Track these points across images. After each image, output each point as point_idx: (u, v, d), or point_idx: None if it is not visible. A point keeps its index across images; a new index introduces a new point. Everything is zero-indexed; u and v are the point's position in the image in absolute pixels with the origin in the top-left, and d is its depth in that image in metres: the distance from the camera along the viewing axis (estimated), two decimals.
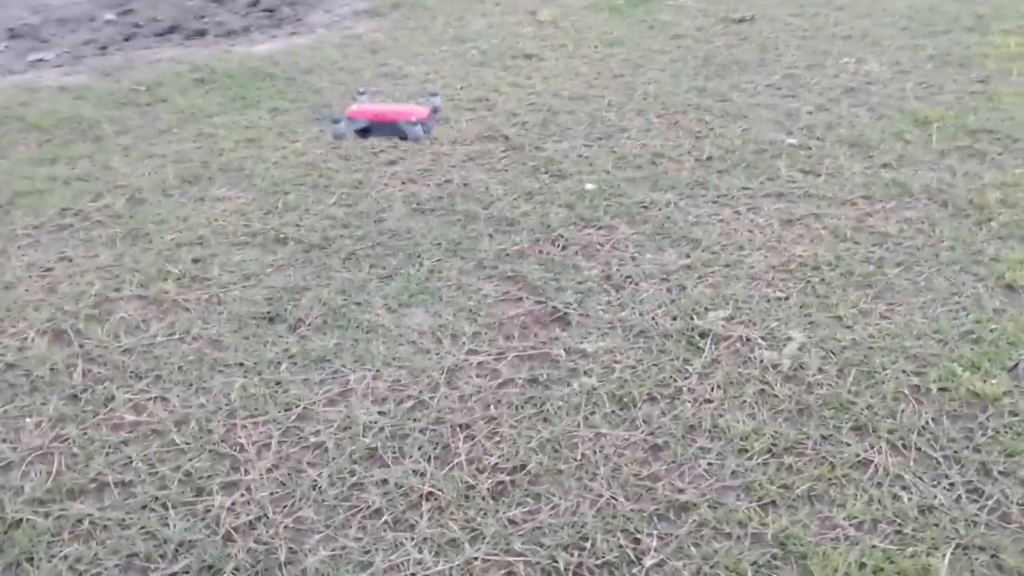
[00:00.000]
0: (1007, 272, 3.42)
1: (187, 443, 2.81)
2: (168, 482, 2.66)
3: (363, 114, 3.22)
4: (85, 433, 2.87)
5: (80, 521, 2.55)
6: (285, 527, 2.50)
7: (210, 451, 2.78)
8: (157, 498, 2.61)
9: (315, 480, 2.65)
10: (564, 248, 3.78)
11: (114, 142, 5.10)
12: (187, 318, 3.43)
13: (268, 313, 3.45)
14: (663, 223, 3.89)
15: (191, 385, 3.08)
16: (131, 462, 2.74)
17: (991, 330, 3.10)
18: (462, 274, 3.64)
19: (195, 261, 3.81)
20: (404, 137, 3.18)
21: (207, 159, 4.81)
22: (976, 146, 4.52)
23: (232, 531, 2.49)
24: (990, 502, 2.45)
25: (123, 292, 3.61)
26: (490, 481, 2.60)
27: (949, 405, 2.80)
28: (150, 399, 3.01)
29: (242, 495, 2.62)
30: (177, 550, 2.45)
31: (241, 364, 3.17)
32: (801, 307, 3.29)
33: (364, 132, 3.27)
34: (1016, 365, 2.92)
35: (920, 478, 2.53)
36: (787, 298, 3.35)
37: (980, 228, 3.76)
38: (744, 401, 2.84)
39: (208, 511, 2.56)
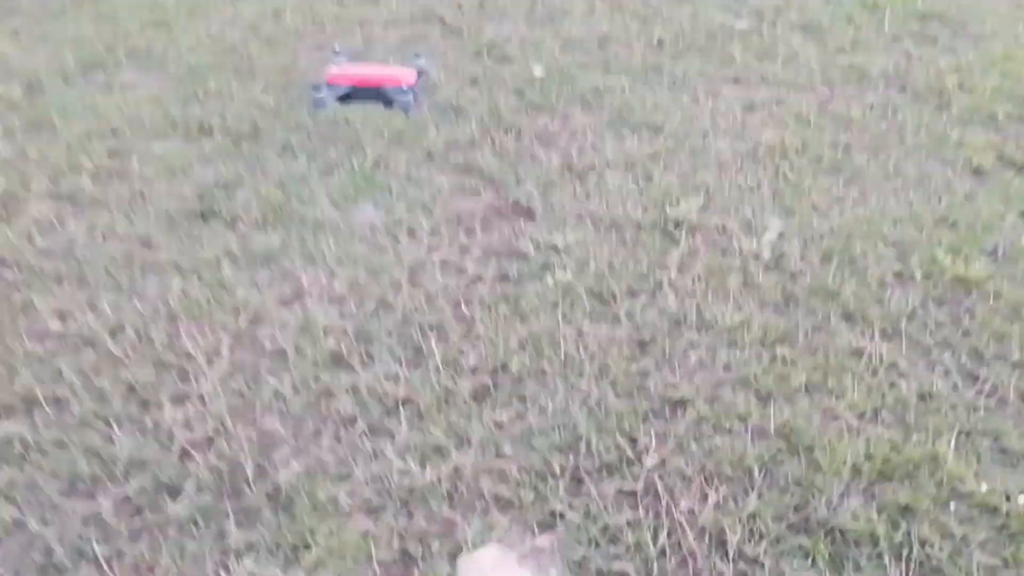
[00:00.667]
0: (973, 156, 3.36)
1: (126, 353, 2.52)
2: (108, 396, 2.38)
3: (344, 79, 2.74)
4: (4, 345, 2.55)
5: (10, 443, 2.26)
6: (250, 440, 2.26)
7: (153, 361, 2.50)
8: (97, 414, 2.33)
9: (277, 388, 2.41)
10: (518, 137, 3.53)
11: (1, 24, 4.55)
12: (108, 216, 3.08)
13: (200, 210, 3.13)
14: (620, 109, 3.68)
15: (122, 289, 2.77)
16: (62, 376, 2.44)
17: (965, 214, 3.03)
18: (411, 165, 3.37)
19: (111, 154, 3.43)
20: (389, 103, 2.72)
21: (110, 43, 4.33)
22: (927, 31, 4.42)
23: (188, 447, 2.25)
24: (986, 387, 2.39)
25: (32, 189, 3.22)
26: (470, 383, 2.41)
27: (934, 291, 2.72)
28: (77, 306, 2.69)
29: (195, 408, 2.36)
30: (127, 470, 2.19)
31: (176, 265, 2.87)
32: (774, 194, 3.16)
33: (345, 98, 2.76)
34: (995, 248, 2.86)
35: (915, 365, 2.46)
36: (759, 186, 3.21)
37: (941, 113, 3.68)
38: (728, 292, 2.71)
39: (158, 426, 2.31)
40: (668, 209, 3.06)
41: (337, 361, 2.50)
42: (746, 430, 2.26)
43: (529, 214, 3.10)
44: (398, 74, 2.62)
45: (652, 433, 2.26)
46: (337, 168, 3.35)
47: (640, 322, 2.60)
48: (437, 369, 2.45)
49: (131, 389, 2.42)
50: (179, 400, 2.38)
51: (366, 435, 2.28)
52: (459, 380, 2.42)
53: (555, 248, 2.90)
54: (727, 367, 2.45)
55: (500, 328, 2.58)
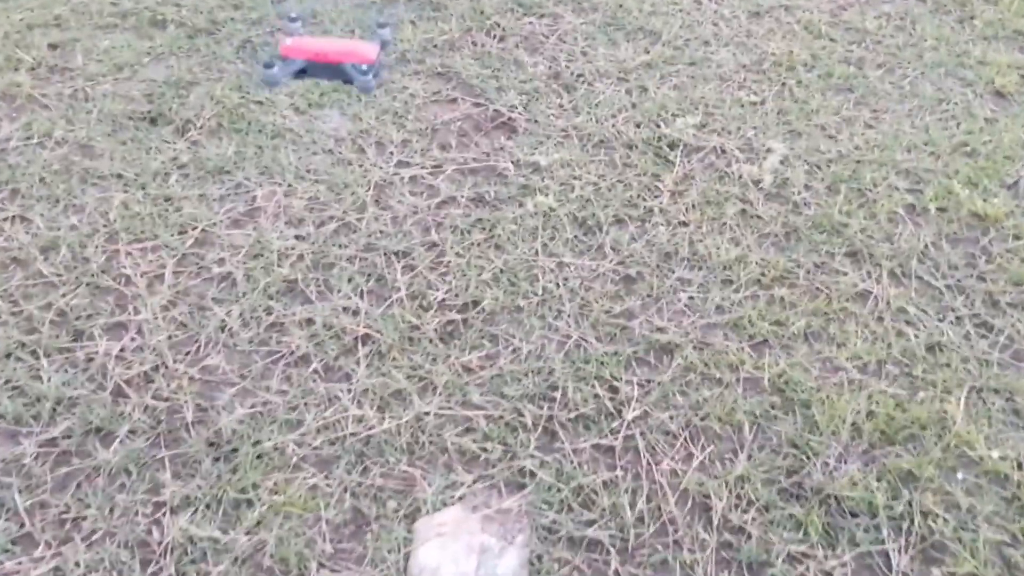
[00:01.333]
0: (996, 77, 3.08)
1: (58, 274, 2.28)
2: (37, 323, 2.16)
3: (300, 51, 2.32)
4: None
5: None
6: (190, 379, 2.05)
7: (88, 284, 2.27)
8: (24, 344, 2.11)
9: (223, 320, 2.18)
10: (502, 39, 3.22)
11: None
12: (47, 117, 2.79)
13: (149, 112, 2.84)
14: (615, 12, 3.36)
15: (58, 201, 2.50)
16: None
17: (985, 142, 2.78)
18: (382, 68, 3.07)
19: (52, 47, 3.10)
20: (348, 81, 2.33)
21: None
22: None
23: (123, 384, 2.03)
24: (1001, 338, 2.19)
25: None
26: (438, 320, 2.19)
27: (948, 227, 2.49)
28: (6, 219, 2.43)
29: (132, 339, 2.14)
30: (55, 409, 1.98)
31: (119, 175, 2.60)
32: (779, 113, 2.89)
33: (300, 73, 2.35)
34: (1017, 181, 2.63)
35: (924, 311, 2.25)
36: (762, 102, 2.93)
37: (963, 27, 3.37)
38: (724, 223, 2.47)
39: (91, 360, 2.09)
40: (663, 127, 2.79)
41: (291, 290, 2.27)
42: (737, 381, 2.06)
43: (510, 128, 2.83)
44: (359, 49, 2.21)
45: (635, 382, 2.05)
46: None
47: (627, 255, 2.37)
48: (401, 303, 2.23)
49: (61, 314, 2.18)
50: (115, 331, 2.16)
51: (319, 376, 2.06)
52: (425, 317, 2.19)
53: (537, 168, 2.65)
54: (719, 309, 2.23)
55: (473, 258, 2.35)
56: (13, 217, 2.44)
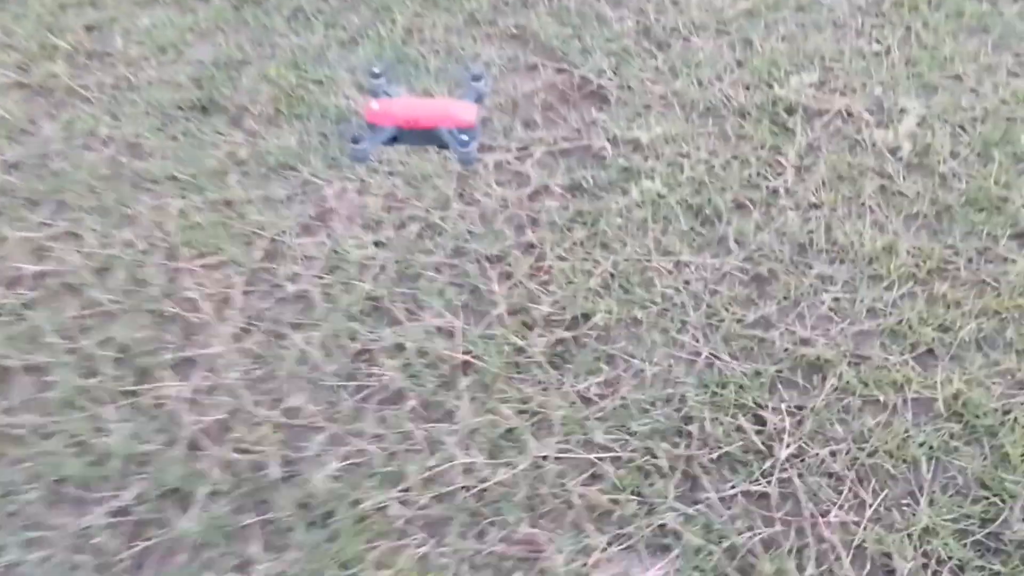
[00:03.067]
0: None
1: (116, 301, 2.04)
2: (98, 363, 1.92)
3: (388, 117, 1.80)
4: None
5: None
6: (273, 425, 1.80)
7: (150, 312, 2.02)
8: (85, 390, 1.88)
9: (303, 350, 1.93)
10: None
11: None
12: (90, 113, 2.52)
13: (199, 100, 2.56)
14: None
15: (109, 212, 2.25)
16: (40, 335, 1.97)
17: None
18: (450, 33, 2.74)
19: (88, 29, 2.82)
20: (444, 146, 1.79)
21: None
22: None
23: (199, 435, 1.80)
24: None
25: None
26: (545, 340, 1.91)
27: None
28: (55, 236, 2.19)
29: (204, 377, 1.90)
30: (125, 469, 1.75)
31: (174, 178, 2.33)
32: (908, 63, 2.52)
33: (392, 141, 1.79)
34: None
35: None
36: (887, 51, 2.56)
37: None
38: (863, 204, 2.14)
39: (160, 405, 1.85)
40: (776, 87, 2.45)
41: (376, 309, 2.01)
42: (905, 404, 1.77)
43: (601, 97, 2.50)
44: (454, 111, 1.69)
45: (783, 409, 1.76)
46: (361, 38, 2.74)
47: (754, 249, 2.06)
48: (502, 320, 1.95)
49: (124, 352, 1.95)
50: (184, 368, 1.92)
51: (418, 415, 1.81)
52: (530, 336, 1.92)
53: (637, 145, 2.33)
54: (872, 312, 1.92)
55: (577, 261, 2.06)
56: (63, 234, 2.20)
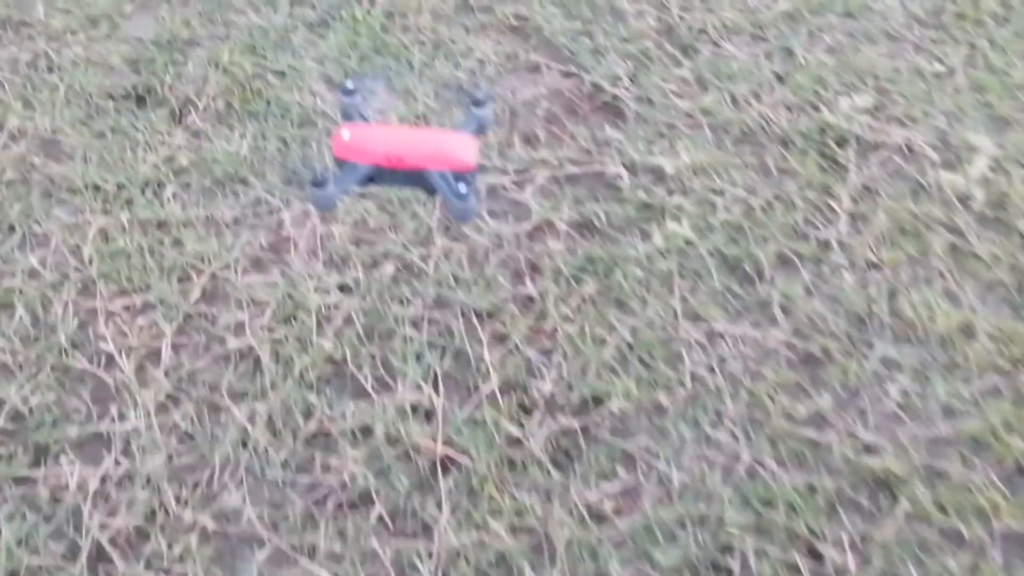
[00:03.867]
0: None
1: (13, 352, 1.64)
2: None
3: (363, 153, 1.27)
4: None
5: None
6: (201, 533, 1.41)
7: (54, 368, 1.62)
8: None
9: (245, 429, 1.54)
10: None
11: None
12: (1, 96, 2.09)
13: (134, 88, 2.14)
14: None
15: (13, 229, 1.84)
16: None
17: None
18: (438, 20, 2.33)
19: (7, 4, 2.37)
20: (432, 191, 1.26)
21: None
22: None
23: (105, 545, 1.41)
24: None
25: None
26: (547, 429, 1.54)
27: None
28: None
29: (117, 462, 1.50)
30: None
31: (96, 187, 1.92)
32: (974, 89, 2.15)
33: (367, 181, 1.26)
34: None
35: None
36: (950, 73, 2.19)
37: None
38: (932, 266, 1.78)
39: (58, 500, 1.46)
40: (824, 111, 2.07)
41: (338, 375, 1.62)
42: (993, 541, 1.42)
43: (615, 110, 2.11)
44: (450, 148, 1.17)
45: (845, 542, 1.41)
46: (332, 21, 2.32)
47: (803, 319, 1.69)
48: (493, 399, 1.58)
49: (17, 422, 1.54)
50: (92, 448, 1.52)
51: (386, 528, 1.43)
52: (529, 424, 1.54)
53: (660, 174, 1.95)
54: (948, 411, 1.57)
55: (587, 323, 1.68)
56: None
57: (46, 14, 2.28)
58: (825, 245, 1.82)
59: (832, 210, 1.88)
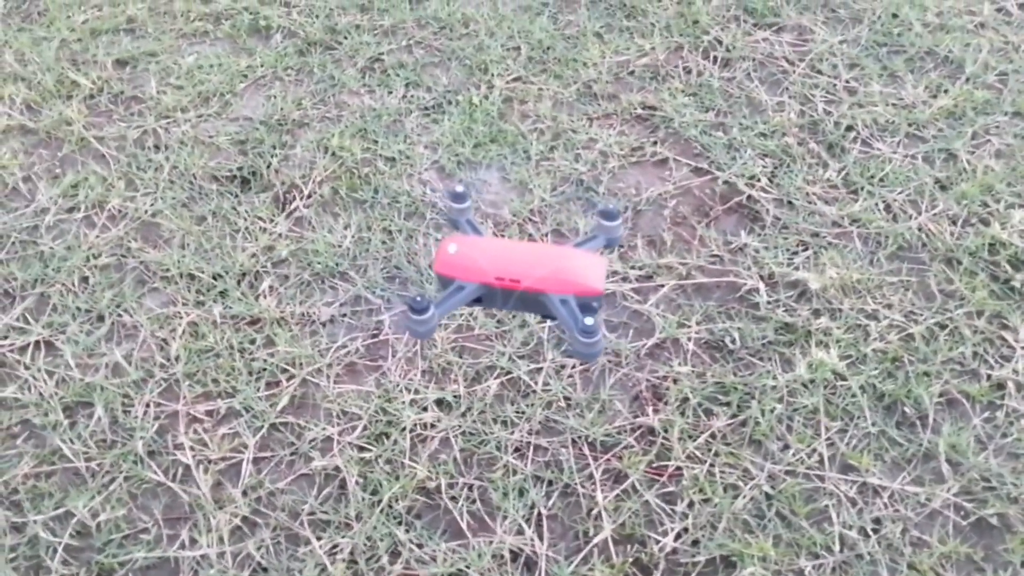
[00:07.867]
0: None
1: (86, 455, 1.51)
2: (44, 554, 1.38)
3: (470, 271, 1.17)
4: None
5: None
6: None
7: (128, 479, 1.48)
8: None
9: (323, 567, 1.36)
10: (727, 65, 2.28)
11: None
12: (102, 176, 2.02)
13: (239, 170, 2.04)
14: (887, 25, 2.36)
15: (102, 319, 1.73)
16: None
17: None
18: (559, 108, 2.18)
19: (120, 64, 2.33)
20: (550, 318, 1.11)
21: None
22: None
23: None
24: None
25: None
26: None
27: None
28: (25, 347, 1.67)
29: None
30: None
31: (191, 276, 1.80)
32: None
33: (475, 302, 1.13)
34: None
35: None
36: None
37: None
38: None
39: None
40: (993, 225, 1.82)
41: (431, 509, 1.44)
42: None
43: (752, 213, 1.91)
44: (578, 271, 1.00)
45: None
46: (447, 106, 2.20)
47: (974, 478, 1.43)
48: (606, 553, 1.36)
49: (83, 536, 1.41)
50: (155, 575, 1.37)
51: None
52: None
53: (803, 291, 1.72)
54: None
55: (717, 466, 1.46)
56: (36, 343, 1.68)
57: (159, 90, 2.22)
58: (1000, 386, 1.56)
59: (1007, 344, 1.62)
